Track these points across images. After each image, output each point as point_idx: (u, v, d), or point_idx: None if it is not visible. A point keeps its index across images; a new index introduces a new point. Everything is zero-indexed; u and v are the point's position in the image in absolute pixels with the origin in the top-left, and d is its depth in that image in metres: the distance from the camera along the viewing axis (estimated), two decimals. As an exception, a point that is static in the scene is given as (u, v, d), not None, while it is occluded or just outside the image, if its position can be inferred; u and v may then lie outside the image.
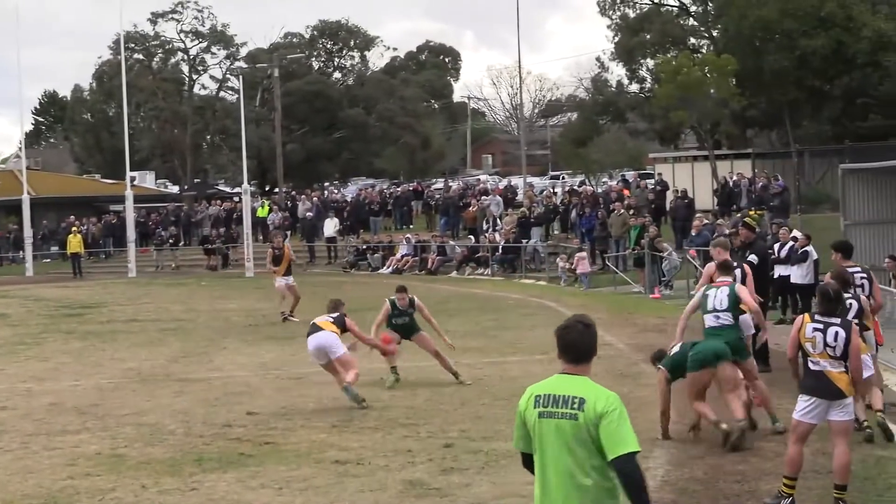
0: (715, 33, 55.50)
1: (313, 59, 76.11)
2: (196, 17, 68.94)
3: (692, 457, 11.40)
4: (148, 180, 71.85)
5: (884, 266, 21.06)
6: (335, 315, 15.29)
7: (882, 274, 20.30)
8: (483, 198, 44.19)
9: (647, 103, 54.94)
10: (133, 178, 54.20)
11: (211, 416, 14.55)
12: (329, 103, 70.59)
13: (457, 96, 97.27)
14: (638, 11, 57.91)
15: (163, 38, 69.87)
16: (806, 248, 22.25)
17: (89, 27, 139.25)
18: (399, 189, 53.95)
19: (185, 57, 70.95)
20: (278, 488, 10.82)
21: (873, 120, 49.53)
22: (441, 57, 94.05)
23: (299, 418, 14.20)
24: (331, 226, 45.92)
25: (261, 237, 47.08)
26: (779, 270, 22.17)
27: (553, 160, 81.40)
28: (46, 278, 45.32)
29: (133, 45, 67.47)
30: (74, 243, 47.04)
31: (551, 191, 47.13)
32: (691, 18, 58.15)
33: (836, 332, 9.62)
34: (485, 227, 41.83)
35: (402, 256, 41.43)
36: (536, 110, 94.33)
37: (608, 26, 58.62)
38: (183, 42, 69.94)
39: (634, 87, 59.57)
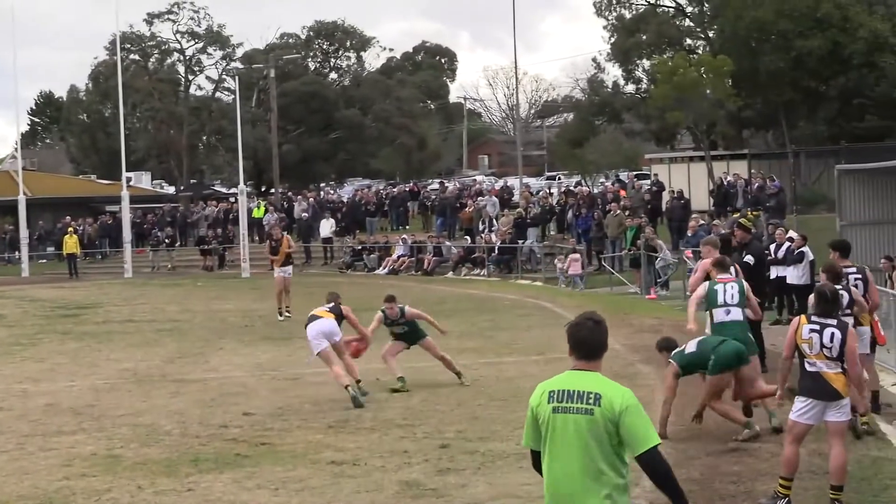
0: (711, 34, 55.56)
1: (309, 59, 76.12)
2: (192, 18, 69.04)
3: (688, 457, 11.40)
4: (144, 181, 71.81)
5: (880, 266, 21.08)
6: (331, 305, 15.94)
7: (878, 274, 20.30)
8: (479, 198, 44.19)
9: (643, 104, 54.97)
10: (129, 179, 54.17)
11: (207, 416, 14.54)
12: (325, 104, 70.59)
13: (453, 97, 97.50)
14: (634, 12, 57.98)
15: (159, 38, 69.93)
16: (802, 249, 22.26)
17: (85, 28, 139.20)
18: (395, 190, 53.93)
19: (182, 57, 70.99)
20: (274, 489, 10.82)
21: (869, 121, 49.57)
22: (437, 57, 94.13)
23: (295, 419, 14.20)
24: (327, 226, 45.90)
25: (257, 238, 47.07)
26: (775, 271, 22.18)
27: (549, 161, 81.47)
28: (42, 279, 45.27)
29: (129, 46, 67.48)
30: (71, 244, 47.01)
31: (547, 191, 47.13)
32: (687, 19, 58.22)
33: (833, 334, 9.63)
34: (481, 227, 41.85)
35: (399, 257, 41.42)
36: (532, 111, 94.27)
37: (604, 27, 58.83)
38: (179, 43, 70.01)
39: (630, 88, 59.70)
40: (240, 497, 10.62)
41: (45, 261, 52.03)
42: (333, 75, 77.66)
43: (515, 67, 65.69)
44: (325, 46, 77.20)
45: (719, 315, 12.78)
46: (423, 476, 11.06)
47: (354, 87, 75.41)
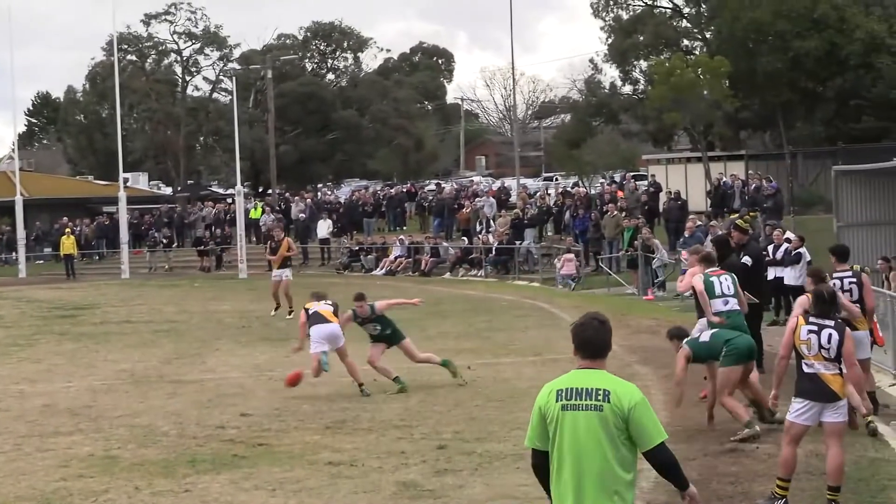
0: (708, 35, 55.56)
1: (307, 60, 76.08)
2: (189, 19, 69.11)
3: (686, 458, 11.39)
4: (141, 182, 71.66)
5: (877, 267, 21.10)
6: (331, 302, 16.26)
7: (875, 276, 20.32)
8: (476, 199, 44.19)
9: (640, 105, 55.00)
10: (126, 180, 54.06)
11: (204, 417, 14.54)
12: (322, 105, 70.56)
13: (450, 98, 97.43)
14: (631, 13, 57.97)
15: (156, 39, 69.96)
16: (799, 250, 22.28)
17: (83, 28, 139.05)
18: (392, 190, 53.91)
19: (179, 58, 71.00)
20: (272, 490, 10.82)
21: (866, 121, 49.62)
22: (434, 58, 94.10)
23: (293, 420, 14.19)
24: (324, 227, 45.86)
25: (254, 239, 47.02)
26: (773, 272, 22.18)
27: (546, 162, 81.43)
28: (39, 280, 45.24)
29: (126, 47, 67.48)
30: (68, 245, 46.96)
31: (545, 192, 47.13)
32: (684, 20, 58.22)
33: (830, 335, 9.64)
34: (478, 228, 41.85)
35: (396, 258, 41.40)
36: (530, 112, 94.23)
37: (601, 28, 58.74)
38: (176, 43, 70.05)
39: (628, 89, 59.70)
40: (237, 498, 10.62)
41: (42, 261, 51.97)
42: (331, 76, 77.63)
43: (512, 68, 65.94)
44: (322, 47, 77.17)
45: (718, 305, 13.16)
46: (420, 477, 11.06)
47: (352, 87, 75.39)
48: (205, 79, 72.52)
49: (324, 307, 16.02)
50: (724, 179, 40.30)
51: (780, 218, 32.84)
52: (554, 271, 34.24)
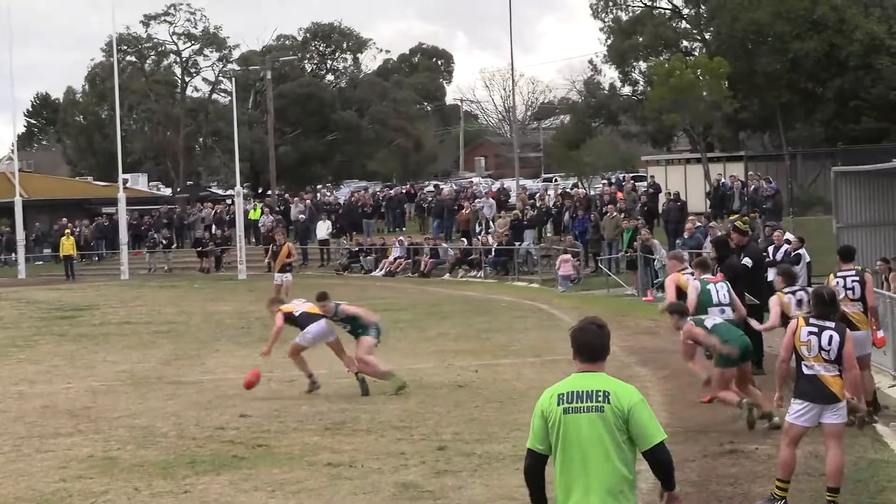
0: (707, 36, 55.60)
1: (306, 61, 76.11)
2: (189, 20, 69.06)
3: (685, 459, 11.39)
4: (140, 182, 71.73)
5: (876, 268, 21.10)
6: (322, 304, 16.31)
7: (874, 277, 20.31)
8: (476, 200, 44.19)
9: (639, 106, 55.02)
10: (125, 181, 54.08)
11: (203, 418, 14.53)
12: (322, 106, 70.59)
13: (449, 99, 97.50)
14: (630, 14, 58.04)
15: (155, 40, 69.94)
16: (799, 251, 22.28)
17: (82, 29, 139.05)
18: (392, 191, 53.92)
19: (178, 59, 70.97)
20: (271, 491, 10.82)
21: (865, 122, 49.66)
22: (434, 59, 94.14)
23: (292, 421, 14.18)
24: (323, 228, 45.86)
25: (254, 240, 47.00)
26: (772, 273, 22.15)
27: (546, 163, 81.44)
28: (39, 281, 45.22)
29: (126, 48, 67.44)
30: (67, 245, 46.94)
31: (544, 193, 47.13)
32: (684, 21, 58.26)
33: (831, 336, 9.63)
34: (478, 229, 41.85)
35: (395, 259, 41.40)
36: (529, 113, 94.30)
37: (601, 29, 58.82)
38: (175, 44, 70.01)
39: (627, 90, 59.73)
40: (236, 499, 10.62)
41: (41, 262, 51.98)
42: (330, 77, 77.67)
43: (512, 69, 65.67)
44: (321, 48, 77.20)
45: (715, 314, 13.01)
46: (419, 478, 11.06)
47: (351, 88, 75.42)
48: (204, 80, 72.60)
49: (308, 305, 16.15)
50: (724, 180, 40.35)
51: (779, 219, 32.83)
52: (553, 272, 34.23)
